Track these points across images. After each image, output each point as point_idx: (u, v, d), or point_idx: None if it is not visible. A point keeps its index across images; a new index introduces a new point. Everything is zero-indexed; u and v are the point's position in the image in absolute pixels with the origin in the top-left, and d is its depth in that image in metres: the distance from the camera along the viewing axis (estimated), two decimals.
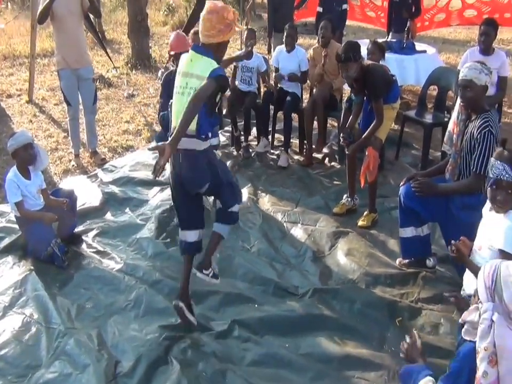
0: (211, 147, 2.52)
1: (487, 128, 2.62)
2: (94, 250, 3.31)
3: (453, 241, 2.16)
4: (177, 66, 3.99)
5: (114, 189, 4.15)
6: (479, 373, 1.55)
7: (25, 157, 3.11)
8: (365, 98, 3.61)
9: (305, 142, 4.76)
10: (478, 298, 1.62)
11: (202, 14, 2.35)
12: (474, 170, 2.68)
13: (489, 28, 4.31)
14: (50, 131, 5.51)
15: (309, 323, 2.68)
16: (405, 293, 2.90)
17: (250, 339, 2.57)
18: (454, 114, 2.93)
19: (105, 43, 9.65)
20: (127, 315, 2.75)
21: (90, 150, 4.83)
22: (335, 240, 3.46)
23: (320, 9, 6.42)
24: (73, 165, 4.65)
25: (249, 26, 11.32)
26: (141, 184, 4.26)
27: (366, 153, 3.45)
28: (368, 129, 3.47)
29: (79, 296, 2.89)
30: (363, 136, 3.49)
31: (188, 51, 3.96)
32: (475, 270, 1.93)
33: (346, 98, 4.30)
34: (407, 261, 3.13)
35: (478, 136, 2.64)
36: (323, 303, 2.82)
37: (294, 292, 2.94)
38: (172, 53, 4.02)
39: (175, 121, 2.40)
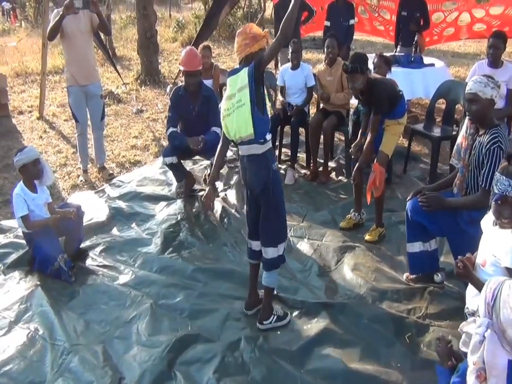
0: (270, 151, 2.61)
1: (497, 144, 2.59)
2: (100, 265, 3.32)
3: (459, 257, 2.13)
4: (185, 81, 4.05)
5: (121, 204, 4.17)
6: None
7: (33, 171, 3.16)
8: (371, 110, 3.60)
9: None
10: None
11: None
12: (482, 186, 2.65)
13: (498, 41, 4.30)
14: (59, 147, 5.59)
15: (315, 338, 2.65)
16: (412, 309, 2.85)
17: (255, 354, 2.55)
18: (463, 128, 2.90)
19: (115, 60, 9.85)
20: (132, 330, 2.74)
21: (98, 166, 4.87)
22: (341, 254, 3.43)
23: (327, 23, 6.48)
24: (81, 180, 4.69)
25: None
26: (147, 199, 4.28)
27: (372, 169, 3.43)
28: (365, 144, 3.47)
29: (85, 311, 2.89)
30: (363, 152, 3.49)
31: (198, 71, 3.99)
32: (480, 286, 1.89)
33: (353, 110, 4.29)
34: (414, 276, 3.09)
35: (487, 152, 2.61)
36: (329, 318, 2.78)
37: (300, 306, 2.91)
38: (181, 68, 4.08)
39: (234, 135, 2.59)
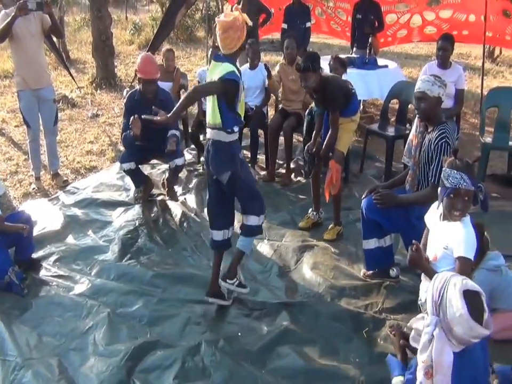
0: (236, 141, 2.75)
1: (444, 139, 2.69)
2: (55, 275, 3.22)
3: (414, 241, 2.22)
4: (142, 88, 3.96)
5: (76, 211, 4.06)
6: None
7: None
8: (325, 110, 3.66)
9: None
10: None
11: (218, 34, 2.57)
12: (432, 180, 2.74)
13: (447, 43, 4.46)
14: (10, 154, 5.37)
15: (275, 338, 2.66)
16: (369, 304, 2.92)
17: (216, 357, 2.53)
18: (413, 127, 3.00)
19: (69, 63, 9.57)
20: (89, 341, 2.66)
21: (51, 173, 4.72)
22: (300, 254, 3.46)
23: (284, 25, 6.54)
24: (33, 188, 4.53)
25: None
26: (104, 205, 4.18)
27: (329, 166, 3.48)
28: (325, 142, 3.51)
29: (38, 324, 2.78)
30: (322, 149, 3.53)
31: (155, 78, 3.91)
32: (430, 274, 1.96)
33: (308, 111, 4.35)
34: (371, 272, 3.16)
35: (435, 147, 2.70)
36: (289, 317, 2.81)
37: (261, 307, 2.91)
38: (139, 75, 3.98)
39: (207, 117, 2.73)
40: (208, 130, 2.74)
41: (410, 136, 3.04)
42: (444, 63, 4.53)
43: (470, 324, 1.57)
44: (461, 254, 2.13)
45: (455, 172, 2.16)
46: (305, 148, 3.74)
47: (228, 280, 2.85)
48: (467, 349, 1.66)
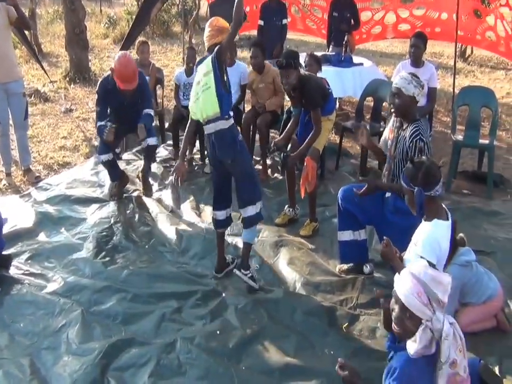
0: (233, 125, 2.93)
1: (418, 137, 2.74)
2: (27, 273, 3.15)
3: (385, 237, 2.31)
4: (121, 92, 3.88)
5: (49, 208, 3.97)
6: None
7: None
8: (302, 109, 3.67)
9: None
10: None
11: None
12: None
13: (419, 40, 4.54)
14: None
15: (251, 334, 2.68)
16: (344, 299, 2.96)
17: (192, 354, 2.53)
18: (391, 121, 3.04)
19: (41, 56, 9.35)
20: (62, 339, 2.62)
21: (23, 168, 4.61)
22: (277, 250, 3.48)
23: (261, 22, 6.54)
24: (4, 185, 4.41)
25: (193, 40, 11.42)
26: (78, 202, 4.11)
27: (305, 163, 3.50)
28: (307, 139, 3.53)
29: (9, 323, 2.72)
30: (302, 146, 3.54)
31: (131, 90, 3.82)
32: (399, 269, 2.02)
33: (286, 109, 4.36)
34: (346, 267, 3.20)
35: (410, 145, 2.76)
36: (266, 313, 2.82)
37: (237, 303, 2.92)
38: (117, 80, 3.81)
39: (201, 115, 2.90)
40: (207, 126, 2.90)
41: (387, 130, 3.08)
42: (417, 61, 4.60)
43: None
44: (419, 254, 2.21)
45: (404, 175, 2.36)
46: (272, 142, 3.74)
47: (242, 270, 3.00)
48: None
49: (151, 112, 4.08)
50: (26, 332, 2.67)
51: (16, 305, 2.86)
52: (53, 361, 2.48)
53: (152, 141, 4.08)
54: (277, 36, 6.37)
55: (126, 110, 3.97)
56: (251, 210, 2.99)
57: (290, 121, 3.80)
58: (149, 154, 4.20)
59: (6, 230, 3.43)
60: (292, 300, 2.94)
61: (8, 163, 4.51)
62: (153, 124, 4.22)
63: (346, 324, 2.74)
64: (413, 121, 2.82)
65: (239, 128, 4.85)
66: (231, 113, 2.90)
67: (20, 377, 2.35)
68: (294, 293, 3.04)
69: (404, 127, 2.87)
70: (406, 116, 2.85)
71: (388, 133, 3.04)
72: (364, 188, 2.86)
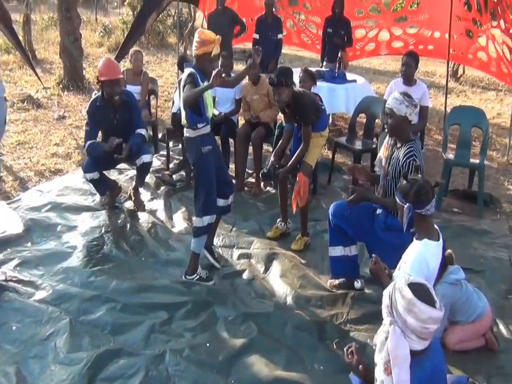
0: (201, 137, 3.14)
1: (412, 158, 2.77)
2: (14, 280, 3.11)
3: (373, 255, 2.35)
4: (103, 92, 3.89)
5: (39, 215, 3.94)
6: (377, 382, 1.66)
7: None
8: (295, 125, 3.71)
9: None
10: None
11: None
12: None
13: (410, 59, 4.60)
14: None
15: (241, 348, 2.66)
16: (334, 314, 2.96)
17: (181, 366, 2.51)
18: (386, 138, 3.07)
19: (35, 62, 9.32)
20: (49, 348, 2.59)
21: None
22: (269, 263, 3.48)
23: (256, 36, 6.60)
24: None
25: (187, 52, 11.48)
26: (69, 209, 4.08)
27: (297, 179, 3.53)
28: (295, 154, 3.57)
29: None
30: (291, 160, 3.58)
31: (118, 79, 3.87)
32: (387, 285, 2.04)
33: (278, 124, 4.38)
34: (337, 282, 3.20)
35: (404, 165, 2.78)
36: (256, 326, 2.81)
37: (227, 315, 2.91)
38: (102, 78, 3.86)
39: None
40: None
41: (382, 148, 3.11)
42: (408, 79, 4.67)
43: (420, 307, 1.61)
44: (408, 272, 2.22)
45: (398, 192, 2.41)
46: (270, 162, 3.76)
47: (187, 276, 3.23)
48: (426, 353, 1.69)
49: (143, 131, 4.07)
50: (13, 339, 2.63)
51: (4, 312, 2.82)
52: (39, 370, 2.45)
53: (146, 157, 4.03)
54: (272, 50, 6.43)
55: (117, 129, 3.95)
56: (195, 221, 3.22)
57: (283, 137, 3.84)
58: (143, 171, 4.14)
59: None
60: (282, 314, 2.94)
61: None
62: (146, 139, 4.18)
63: (336, 340, 2.74)
64: (407, 141, 2.84)
65: (232, 140, 4.91)
66: (200, 125, 3.10)
67: None
68: (285, 306, 3.04)
69: (398, 146, 2.90)
70: (400, 136, 2.88)
71: (382, 150, 3.08)
72: (353, 196, 2.89)
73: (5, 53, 10.37)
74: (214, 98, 4.93)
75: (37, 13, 17.10)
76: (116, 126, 3.97)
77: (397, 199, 2.38)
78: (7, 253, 3.40)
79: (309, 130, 3.52)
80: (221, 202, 3.33)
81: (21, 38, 8.70)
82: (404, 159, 2.78)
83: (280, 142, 3.81)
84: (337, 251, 3.13)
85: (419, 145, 2.89)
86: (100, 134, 4.10)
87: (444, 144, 4.75)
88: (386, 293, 1.73)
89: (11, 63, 9.74)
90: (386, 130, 2.94)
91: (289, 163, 3.60)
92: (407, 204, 2.30)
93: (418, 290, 1.66)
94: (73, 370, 2.42)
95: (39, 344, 2.61)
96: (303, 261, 3.54)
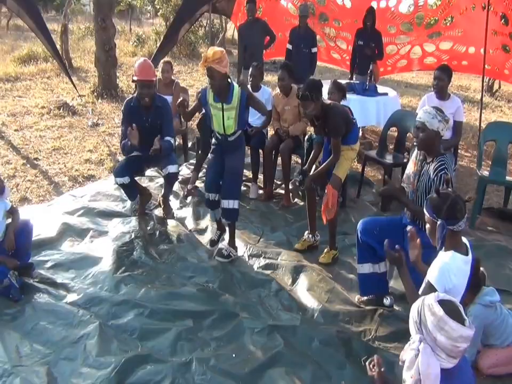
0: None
1: (443, 171, 2.72)
2: (48, 282, 3.19)
3: (397, 246, 2.35)
4: (139, 92, 3.95)
5: (73, 219, 4.03)
6: None
7: None
8: (325, 138, 3.70)
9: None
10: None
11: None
12: None
13: (442, 73, 4.52)
14: (8, 157, 5.36)
15: (267, 360, 2.64)
16: (362, 331, 2.91)
17: (207, 376, 2.51)
18: (414, 154, 3.04)
19: (71, 70, 9.62)
20: (79, 351, 2.63)
21: None
22: (296, 275, 3.46)
23: (289, 46, 6.62)
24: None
25: None
26: (100, 215, 4.17)
27: (326, 191, 3.51)
28: (324, 163, 3.56)
29: (29, 331, 2.75)
30: (320, 167, 3.58)
31: (152, 80, 3.89)
32: (405, 280, 2.13)
33: (307, 137, 4.38)
34: (365, 298, 3.16)
35: (435, 178, 2.74)
36: (282, 339, 2.79)
37: (254, 326, 2.90)
38: (135, 78, 3.89)
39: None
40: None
41: (410, 163, 3.07)
42: (441, 93, 4.58)
43: (451, 325, 1.60)
44: (429, 278, 2.17)
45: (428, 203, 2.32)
46: (300, 170, 3.78)
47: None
48: (455, 373, 1.67)
49: (171, 140, 4.05)
50: (45, 340, 2.69)
51: (37, 313, 2.89)
52: (69, 371, 2.49)
53: (172, 168, 4.00)
54: (307, 64, 6.45)
55: (147, 132, 3.93)
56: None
57: (313, 151, 3.83)
58: (169, 182, 4.13)
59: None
60: (309, 328, 2.91)
61: None
62: (173, 148, 4.19)
63: (364, 357, 2.69)
64: (437, 155, 2.81)
65: (261, 151, 4.93)
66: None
67: None
68: (312, 320, 3.01)
69: (428, 161, 2.86)
70: (430, 150, 2.83)
71: (411, 166, 3.04)
72: (385, 187, 2.88)
73: (43, 61, 10.74)
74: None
75: (74, 23, 17.68)
76: (147, 129, 3.95)
77: (427, 214, 2.31)
78: (41, 255, 3.48)
79: (339, 142, 3.50)
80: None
81: (58, 47, 9.00)
82: (435, 173, 2.74)
83: (311, 155, 3.81)
84: (365, 268, 3.08)
85: (450, 159, 2.84)
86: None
87: (478, 161, 4.64)
88: (414, 308, 1.71)
89: (49, 71, 10.08)
90: (415, 144, 2.89)
91: (317, 170, 3.59)
92: (440, 221, 2.24)
93: (449, 307, 1.64)
94: (102, 374, 2.45)
95: (69, 346, 2.65)
96: (330, 275, 3.50)
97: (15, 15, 7.20)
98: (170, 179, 4.09)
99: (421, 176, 2.87)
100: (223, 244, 3.74)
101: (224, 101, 3.45)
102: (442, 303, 1.65)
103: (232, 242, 3.72)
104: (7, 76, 9.18)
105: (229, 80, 3.45)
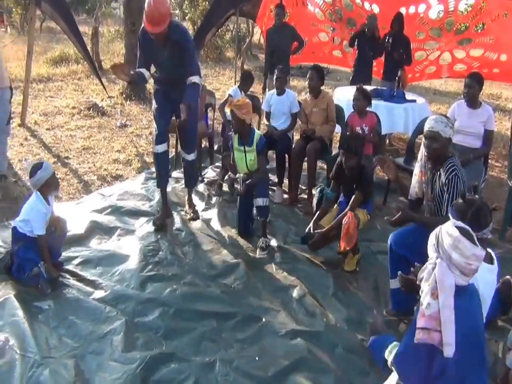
0: None
1: (454, 173, 2.69)
2: (76, 278, 3.25)
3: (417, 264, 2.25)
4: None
5: (101, 217, 4.12)
6: (423, 306, 1.85)
7: (53, 183, 3.19)
8: (343, 195, 3.72)
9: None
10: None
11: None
12: (443, 213, 2.72)
13: (473, 81, 4.43)
14: (40, 155, 5.51)
15: (290, 365, 2.64)
16: None
17: (230, 377, 2.52)
18: (419, 162, 2.96)
19: (101, 72, 9.82)
20: (106, 346, 2.68)
21: None
22: (320, 282, 3.44)
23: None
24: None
25: (245, 66, 11.70)
26: (128, 214, 4.24)
27: (345, 219, 3.39)
28: (337, 219, 3.51)
29: (58, 324, 2.81)
30: (331, 224, 3.54)
31: (160, 33, 3.63)
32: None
33: (319, 189, 4.20)
34: (394, 311, 3.10)
35: (446, 182, 2.70)
36: (305, 344, 2.78)
37: (278, 329, 2.90)
38: (143, 25, 3.59)
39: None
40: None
41: (417, 171, 2.99)
42: (471, 101, 4.50)
43: (465, 244, 1.78)
44: None
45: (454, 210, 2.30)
46: (312, 221, 3.70)
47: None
48: (464, 296, 1.83)
49: (196, 80, 3.74)
50: (73, 334, 2.75)
51: (66, 308, 2.96)
52: (96, 365, 2.53)
53: (190, 156, 4.15)
54: (368, 67, 6.65)
55: (168, 62, 3.71)
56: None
57: (323, 205, 3.76)
58: (188, 170, 4.24)
59: None
60: (333, 334, 2.89)
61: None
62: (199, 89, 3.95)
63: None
64: (446, 159, 2.75)
65: (287, 156, 4.93)
66: None
67: (65, 377, 2.42)
68: (335, 327, 2.99)
69: (438, 168, 2.81)
70: (441, 158, 2.77)
71: (418, 176, 2.96)
72: (397, 215, 2.82)
73: (74, 63, 11.01)
74: (267, 113, 4.98)
75: (104, 26, 18.05)
76: (167, 61, 3.72)
77: (452, 219, 2.26)
78: (70, 251, 3.56)
79: (361, 200, 3.50)
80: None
81: (89, 49, 9.21)
82: (446, 175, 2.70)
83: (319, 211, 3.74)
84: (399, 283, 3.01)
85: (458, 160, 2.79)
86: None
87: (509, 171, 4.55)
88: (433, 234, 1.89)
89: (79, 72, 10.34)
90: (426, 154, 2.81)
91: (329, 226, 3.53)
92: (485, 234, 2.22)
93: (464, 230, 1.82)
94: (128, 369, 2.49)
95: (96, 341, 2.71)
96: (355, 282, 3.48)
97: (48, 17, 7.40)
98: (188, 167, 4.23)
99: (433, 184, 2.82)
100: (260, 240, 3.86)
101: (246, 144, 3.83)
102: (458, 227, 1.83)
103: (265, 236, 3.91)
104: (40, 77, 9.45)
105: (250, 126, 3.85)
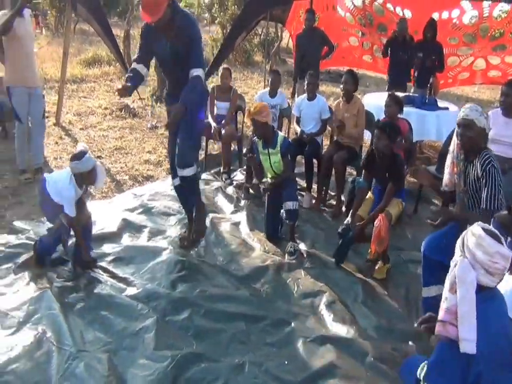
0: None
1: (490, 164, 2.63)
2: (109, 275, 3.32)
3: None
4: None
5: (132, 216, 4.19)
6: (442, 299, 1.88)
7: (88, 179, 3.29)
8: (376, 184, 3.70)
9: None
10: None
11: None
12: (483, 207, 2.65)
13: (510, 89, 4.33)
14: None
15: (319, 371, 2.63)
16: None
17: (259, 380, 2.53)
18: (449, 155, 2.92)
19: None
20: (138, 342, 2.73)
21: (34, 167, 4.91)
22: (349, 288, 3.42)
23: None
24: (26, 178, 4.76)
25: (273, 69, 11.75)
26: (158, 213, 4.31)
27: (377, 221, 3.37)
28: (374, 211, 3.52)
29: (92, 319, 2.88)
30: (369, 216, 3.53)
31: (156, 20, 3.38)
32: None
33: (352, 178, 4.23)
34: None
35: (483, 174, 2.64)
36: (335, 351, 2.77)
37: (307, 335, 2.90)
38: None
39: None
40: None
41: (449, 163, 2.95)
42: (508, 110, 4.38)
43: (488, 242, 1.78)
44: None
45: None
46: (346, 221, 3.69)
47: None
48: (491, 296, 1.84)
49: (200, 73, 3.26)
50: (106, 329, 2.81)
51: (100, 303, 3.02)
52: (129, 361, 2.58)
53: (183, 171, 3.46)
54: (404, 70, 6.59)
55: (170, 60, 3.35)
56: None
57: (356, 197, 3.76)
58: (180, 189, 3.71)
59: (93, 232, 3.64)
60: (363, 342, 2.86)
61: (24, 161, 4.85)
62: (202, 82, 3.34)
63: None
64: (480, 151, 2.70)
65: (316, 161, 4.92)
66: None
67: (99, 371, 2.47)
68: (366, 334, 2.96)
69: (471, 159, 2.74)
70: (475, 149, 2.71)
71: (450, 168, 2.92)
72: (440, 219, 2.78)
73: (107, 64, 11.24)
74: (298, 118, 4.99)
75: (135, 29, 18.32)
76: (169, 58, 3.34)
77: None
78: (103, 248, 3.64)
79: (394, 191, 3.48)
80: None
81: (121, 51, 9.39)
82: (483, 167, 2.64)
83: (354, 204, 3.72)
84: (432, 291, 2.93)
85: (492, 152, 2.72)
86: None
87: None
88: (460, 237, 1.90)
89: (111, 73, 10.54)
90: (459, 143, 2.75)
91: (367, 218, 3.52)
92: (510, 238, 2.19)
93: (490, 231, 1.83)
94: (159, 367, 2.53)
95: (129, 337, 2.76)
96: (385, 290, 3.44)
97: (81, 20, 7.59)
98: (180, 187, 3.67)
99: (466, 176, 2.77)
100: (289, 244, 3.87)
101: (270, 147, 3.88)
102: (483, 228, 1.84)
103: (293, 240, 3.91)
104: (73, 77, 9.67)
105: (273, 128, 3.95)
